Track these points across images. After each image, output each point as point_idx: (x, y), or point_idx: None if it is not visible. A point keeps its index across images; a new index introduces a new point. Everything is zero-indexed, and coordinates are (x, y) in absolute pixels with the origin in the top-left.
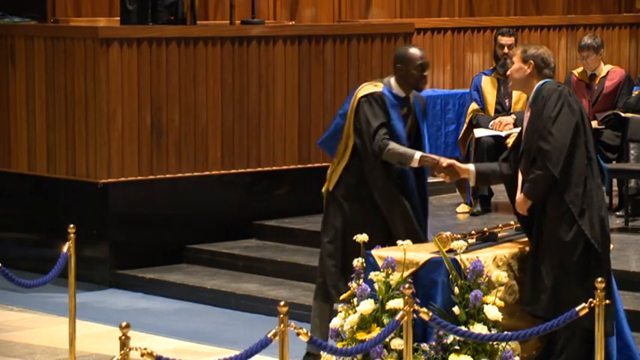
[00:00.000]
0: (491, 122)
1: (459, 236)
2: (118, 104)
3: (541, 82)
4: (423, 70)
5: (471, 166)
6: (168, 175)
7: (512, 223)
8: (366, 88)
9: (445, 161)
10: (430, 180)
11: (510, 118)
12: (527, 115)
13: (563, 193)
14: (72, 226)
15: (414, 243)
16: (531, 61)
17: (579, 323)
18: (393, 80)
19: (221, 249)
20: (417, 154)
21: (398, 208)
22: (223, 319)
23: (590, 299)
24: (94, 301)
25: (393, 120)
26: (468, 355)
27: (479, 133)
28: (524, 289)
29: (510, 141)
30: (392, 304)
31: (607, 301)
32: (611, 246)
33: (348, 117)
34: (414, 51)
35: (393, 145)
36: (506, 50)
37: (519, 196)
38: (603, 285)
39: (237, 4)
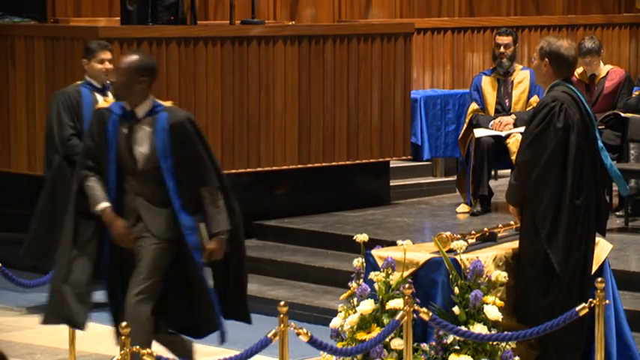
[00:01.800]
0: (491, 122)
1: (459, 236)
2: None
3: (553, 82)
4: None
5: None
6: None
7: (512, 223)
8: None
9: (120, 227)
10: (430, 180)
11: (510, 118)
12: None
13: (534, 213)
14: None
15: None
16: (546, 59)
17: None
18: None
19: None
20: (102, 205)
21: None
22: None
23: (591, 299)
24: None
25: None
26: (468, 355)
27: (479, 133)
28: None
29: (510, 141)
30: (392, 304)
31: (607, 301)
32: (610, 246)
33: None
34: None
35: (91, 182)
36: (502, 50)
37: None
38: (603, 285)
39: (237, 4)
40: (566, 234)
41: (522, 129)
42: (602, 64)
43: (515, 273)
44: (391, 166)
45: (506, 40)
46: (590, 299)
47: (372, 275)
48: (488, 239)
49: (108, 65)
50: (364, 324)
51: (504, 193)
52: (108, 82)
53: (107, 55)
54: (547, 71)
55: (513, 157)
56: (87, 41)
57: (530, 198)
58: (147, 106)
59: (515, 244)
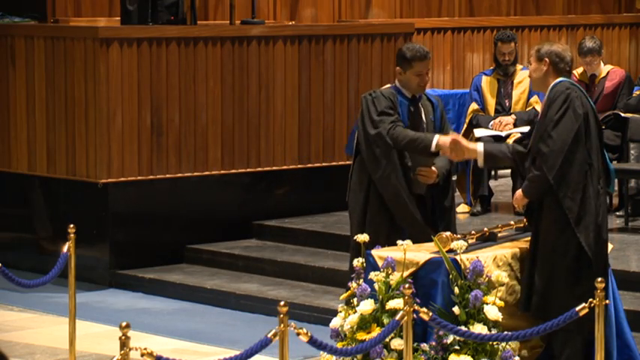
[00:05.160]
0: (491, 122)
1: (459, 236)
2: (118, 104)
3: (556, 80)
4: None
5: (479, 147)
6: (168, 175)
7: (512, 223)
8: None
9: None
10: None
11: (510, 118)
12: (541, 113)
13: (561, 199)
14: (72, 226)
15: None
16: (546, 59)
17: (579, 328)
18: None
19: (221, 249)
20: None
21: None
22: (223, 319)
23: (590, 299)
24: (94, 301)
25: None
26: (468, 355)
27: (479, 133)
28: (521, 289)
29: (510, 141)
30: (392, 304)
31: (607, 301)
32: (610, 246)
33: None
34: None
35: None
36: (507, 58)
37: (518, 191)
38: (603, 285)
39: (237, 4)
40: (594, 218)
41: (522, 129)
42: (602, 64)
43: (528, 271)
44: None
45: (509, 47)
46: (590, 299)
47: (372, 275)
48: (488, 239)
49: (426, 79)
50: (364, 324)
51: (508, 194)
52: (420, 94)
53: (426, 66)
54: (548, 70)
55: None
56: (402, 48)
57: (558, 183)
58: None
59: (516, 243)
